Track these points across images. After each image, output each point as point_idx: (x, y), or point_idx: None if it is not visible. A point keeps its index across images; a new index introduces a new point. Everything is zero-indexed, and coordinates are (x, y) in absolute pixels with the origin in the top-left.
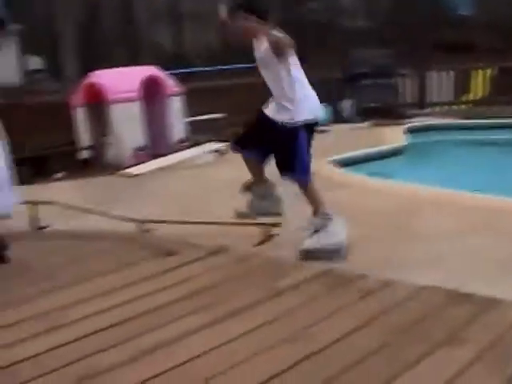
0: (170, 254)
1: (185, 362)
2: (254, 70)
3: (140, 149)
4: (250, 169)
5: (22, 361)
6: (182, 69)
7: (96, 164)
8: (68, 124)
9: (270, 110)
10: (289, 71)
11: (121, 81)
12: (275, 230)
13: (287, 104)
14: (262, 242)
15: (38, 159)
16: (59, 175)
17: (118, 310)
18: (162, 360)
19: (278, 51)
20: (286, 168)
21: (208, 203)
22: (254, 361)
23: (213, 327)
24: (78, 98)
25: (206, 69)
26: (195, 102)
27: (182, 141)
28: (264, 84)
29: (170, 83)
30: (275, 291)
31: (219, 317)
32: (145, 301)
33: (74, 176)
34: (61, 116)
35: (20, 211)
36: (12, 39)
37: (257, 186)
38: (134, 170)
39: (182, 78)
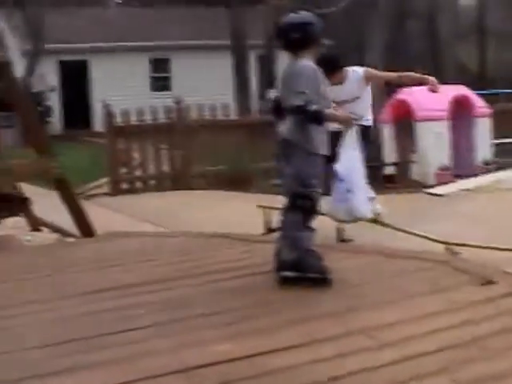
0: (488, 281)
1: None
2: None
3: (444, 168)
4: None
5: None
6: (484, 89)
7: (399, 181)
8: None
9: None
10: None
11: (430, 99)
12: None
13: None
14: None
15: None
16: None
17: (442, 334)
18: None
19: None
20: None
21: None
22: None
23: None
24: (385, 114)
25: None
26: (501, 124)
27: (486, 163)
28: None
29: (479, 104)
30: None
31: None
32: (468, 328)
33: (377, 191)
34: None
35: (323, 221)
36: None
37: None
38: (438, 190)
39: (487, 99)
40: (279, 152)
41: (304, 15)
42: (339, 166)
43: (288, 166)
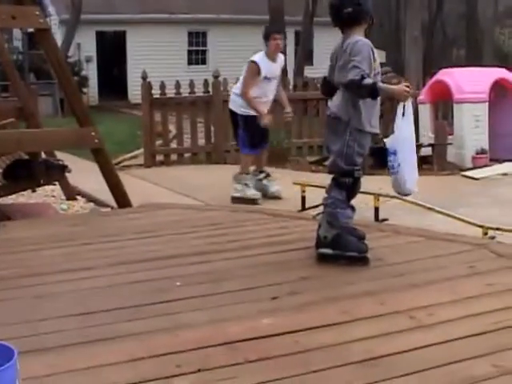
0: None
1: None
2: None
3: (481, 151)
4: None
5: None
6: None
7: (436, 163)
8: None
9: None
10: None
11: (470, 81)
12: None
13: None
14: None
15: (380, 150)
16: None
17: (484, 318)
18: None
19: None
20: None
21: None
22: None
23: None
24: (423, 95)
25: None
26: None
27: None
28: None
29: None
30: None
31: None
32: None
33: None
34: None
35: (359, 201)
36: None
37: None
38: (476, 173)
39: None
40: (327, 129)
41: None
42: (392, 139)
43: (335, 142)
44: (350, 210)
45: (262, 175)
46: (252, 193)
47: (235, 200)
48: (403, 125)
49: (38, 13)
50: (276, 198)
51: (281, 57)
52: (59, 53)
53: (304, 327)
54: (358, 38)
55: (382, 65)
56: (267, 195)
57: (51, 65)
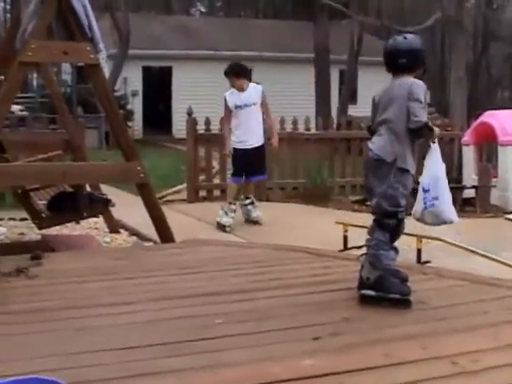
0: None
1: None
2: None
3: None
4: None
5: None
6: None
7: (479, 205)
8: (452, 159)
9: None
10: None
11: None
12: None
13: None
14: None
15: None
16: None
17: None
18: None
19: None
20: None
21: None
22: None
23: None
24: (467, 136)
25: None
26: None
27: None
28: None
29: None
30: None
31: None
32: None
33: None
34: (449, 151)
35: (402, 243)
36: None
37: None
38: None
39: None
40: (368, 169)
41: (411, 40)
42: (425, 177)
43: (377, 184)
44: (393, 252)
45: (248, 201)
46: (225, 220)
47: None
48: (434, 162)
49: (89, 48)
50: (256, 222)
51: (252, 86)
52: (107, 87)
53: (347, 369)
54: (412, 79)
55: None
56: (249, 219)
57: (99, 99)
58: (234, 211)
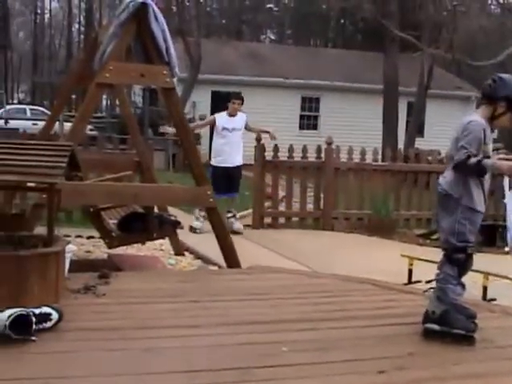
0: None
1: None
2: None
3: None
4: None
5: None
6: None
7: None
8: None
9: None
10: None
11: None
12: None
13: None
14: None
15: (489, 227)
16: (507, 249)
17: None
18: None
19: None
20: None
21: None
22: None
23: None
24: None
25: None
26: None
27: None
28: None
29: None
30: None
31: None
32: None
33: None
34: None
35: (468, 279)
36: None
37: None
38: None
39: None
40: (438, 205)
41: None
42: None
43: (446, 219)
44: (460, 287)
45: (230, 214)
46: (195, 223)
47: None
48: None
49: (165, 72)
50: (237, 233)
51: (241, 114)
52: (181, 111)
53: None
54: (474, 117)
55: (494, 140)
56: (231, 231)
57: (173, 122)
58: (204, 217)
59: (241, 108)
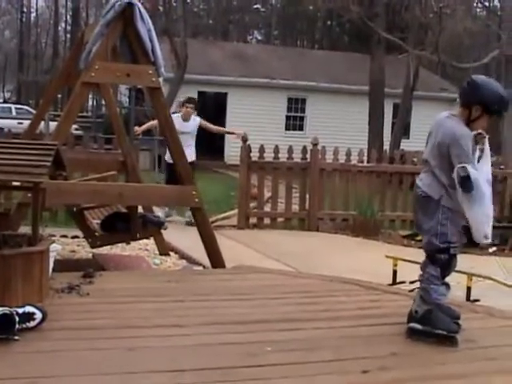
0: None
1: None
2: None
3: None
4: None
5: None
6: None
7: None
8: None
9: None
10: None
11: None
12: None
13: None
14: None
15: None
16: (493, 249)
17: None
18: None
19: None
20: None
21: None
22: None
23: None
24: None
25: None
26: None
27: None
28: None
29: None
30: None
31: None
32: None
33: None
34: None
35: (451, 279)
36: None
37: None
38: None
39: None
40: (417, 207)
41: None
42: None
43: (427, 221)
44: (444, 287)
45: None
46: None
47: None
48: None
49: (151, 72)
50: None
51: (194, 118)
52: (167, 111)
53: None
54: (460, 126)
55: None
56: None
57: (159, 121)
58: (165, 210)
59: (194, 112)
